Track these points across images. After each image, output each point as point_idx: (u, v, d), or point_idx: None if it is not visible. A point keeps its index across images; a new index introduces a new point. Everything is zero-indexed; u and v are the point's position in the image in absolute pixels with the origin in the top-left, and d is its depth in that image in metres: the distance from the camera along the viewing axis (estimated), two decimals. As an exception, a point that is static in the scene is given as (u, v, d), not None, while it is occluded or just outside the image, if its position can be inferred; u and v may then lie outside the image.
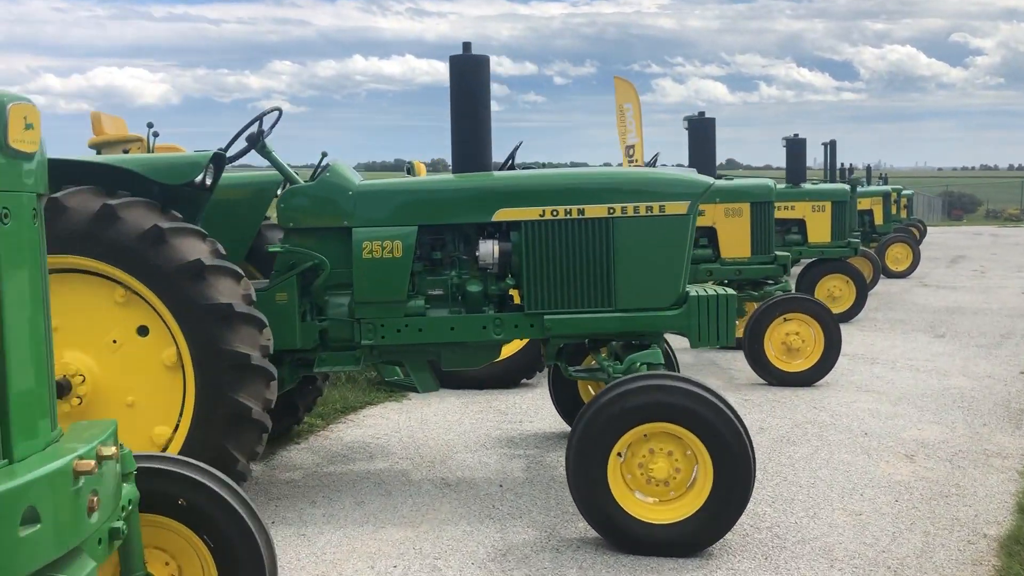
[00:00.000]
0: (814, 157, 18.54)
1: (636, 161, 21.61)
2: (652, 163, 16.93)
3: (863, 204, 17.12)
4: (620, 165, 19.41)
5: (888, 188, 17.95)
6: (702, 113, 8.76)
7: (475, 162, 5.13)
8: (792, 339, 7.90)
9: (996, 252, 24.24)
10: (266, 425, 4.20)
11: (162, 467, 2.74)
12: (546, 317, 4.90)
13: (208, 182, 4.92)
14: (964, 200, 59.20)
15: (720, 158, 14.82)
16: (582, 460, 4.24)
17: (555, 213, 4.88)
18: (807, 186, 11.80)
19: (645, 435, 4.26)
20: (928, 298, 14.23)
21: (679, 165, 9.52)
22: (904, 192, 23.31)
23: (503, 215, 4.90)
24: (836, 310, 11.57)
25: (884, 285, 15.57)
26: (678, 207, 4.92)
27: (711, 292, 5.04)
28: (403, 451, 5.97)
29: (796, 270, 13.26)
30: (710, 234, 8.66)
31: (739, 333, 8.40)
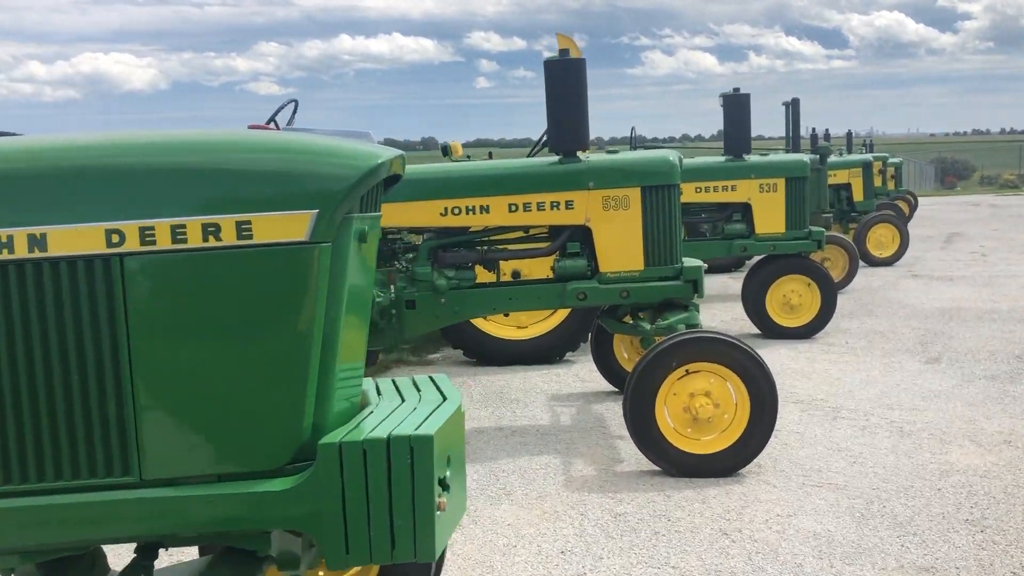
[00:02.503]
0: (807, 126, 15.79)
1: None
2: (632, 139, 13.89)
3: (838, 177, 14.19)
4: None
5: (868, 157, 14.98)
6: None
7: None
8: (699, 404, 4.98)
9: (997, 227, 21.29)
10: None
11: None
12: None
13: None
14: (958, 166, 56.32)
15: (713, 130, 12.37)
16: None
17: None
18: (752, 159, 8.85)
19: None
20: (918, 295, 11.30)
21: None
22: (891, 160, 20.40)
23: None
24: (793, 323, 8.70)
25: (864, 276, 12.67)
26: (287, 225, 2.00)
27: (381, 423, 2.14)
28: None
29: (748, 267, 10.31)
30: (584, 236, 5.68)
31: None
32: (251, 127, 5.45)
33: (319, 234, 2.01)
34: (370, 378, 2.55)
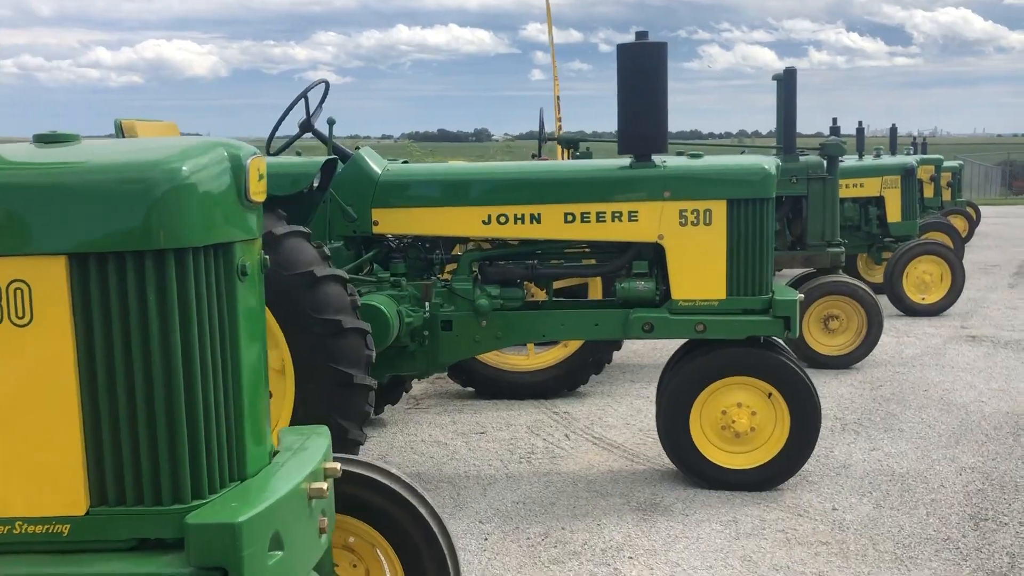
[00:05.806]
0: (868, 125, 11.81)
1: (560, 123, 15.15)
2: (541, 131, 10.11)
3: (867, 188, 10.18)
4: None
5: (911, 160, 10.81)
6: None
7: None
8: None
9: (1080, 249, 16.92)
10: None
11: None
12: None
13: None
14: (1028, 170, 51.10)
15: (770, 126, 8.29)
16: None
17: None
18: (672, 163, 4.90)
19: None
20: (974, 381, 7.20)
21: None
22: (947, 164, 16.27)
23: None
24: (740, 463, 4.93)
25: (894, 335, 8.68)
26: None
27: None
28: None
29: (656, 351, 5.96)
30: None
31: None
32: None
33: None
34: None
